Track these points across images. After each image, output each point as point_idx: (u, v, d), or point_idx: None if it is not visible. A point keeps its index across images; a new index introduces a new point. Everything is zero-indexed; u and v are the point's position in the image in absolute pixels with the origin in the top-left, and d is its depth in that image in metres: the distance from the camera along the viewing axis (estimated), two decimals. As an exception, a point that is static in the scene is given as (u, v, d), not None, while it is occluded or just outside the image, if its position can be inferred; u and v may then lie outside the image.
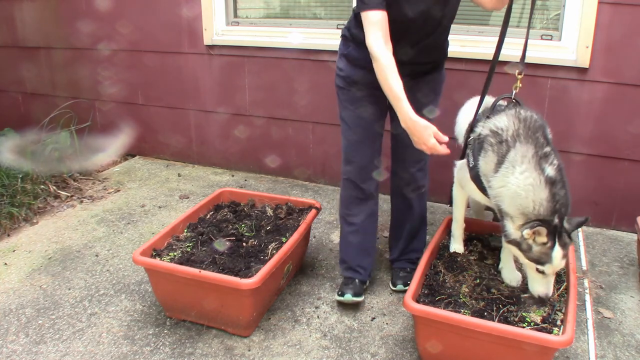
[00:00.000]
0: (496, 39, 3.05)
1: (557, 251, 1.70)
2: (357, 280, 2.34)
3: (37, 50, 4.23)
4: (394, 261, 2.53)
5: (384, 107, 2.18)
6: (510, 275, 2.04)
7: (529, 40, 2.93)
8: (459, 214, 2.25)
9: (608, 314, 2.26)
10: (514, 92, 2.04)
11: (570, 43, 2.83)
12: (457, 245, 2.27)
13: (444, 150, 1.84)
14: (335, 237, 2.88)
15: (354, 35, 2.11)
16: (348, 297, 2.25)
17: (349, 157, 2.26)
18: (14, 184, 3.30)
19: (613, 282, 2.50)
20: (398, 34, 1.94)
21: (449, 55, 2.98)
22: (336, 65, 2.23)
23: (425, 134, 1.84)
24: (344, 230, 2.40)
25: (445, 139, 1.85)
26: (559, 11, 2.87)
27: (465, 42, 3.03)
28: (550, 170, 1.72)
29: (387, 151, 2.35)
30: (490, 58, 2.98)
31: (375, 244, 2.45)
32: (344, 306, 2.32)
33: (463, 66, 3.01)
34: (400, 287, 2.40)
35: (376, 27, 1.88)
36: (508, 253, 2.02)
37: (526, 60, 2.88)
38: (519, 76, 2.05)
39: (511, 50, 2.98)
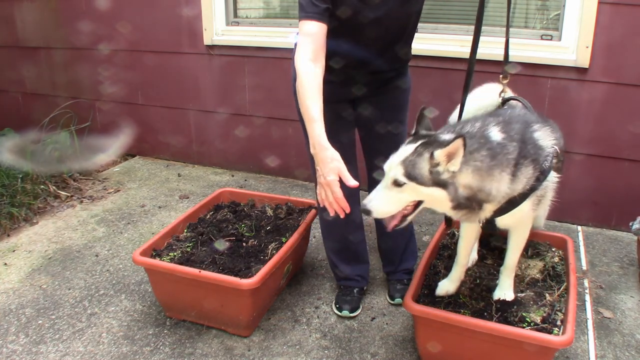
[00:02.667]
0: (496, 39, 3.06)
1: None
2: (355, 290, 2.32)
3: (37, 50, 4.23)
4: (389, 274, 2.45)
5: (348, 114, 2.12)
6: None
7: (528, 41, 2.96)
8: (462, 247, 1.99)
9: (608, 314, 2.26)
10: (500, 98, 1.96)
11: (570, 43, 2.83)
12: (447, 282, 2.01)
13: (338, 193, 1.62)
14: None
15: None
16: (345, 312, 2.24)
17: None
18: (14, 184, 3.30)
19: (613, 282, 2.50)
20: (359, 40, 1.87)
21: (449, 55, 3.00)
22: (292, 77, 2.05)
23: (328, 166, 1.64)
24: (331, 246, 2.34)
25: (352, 183, 1.62)
26: (559, 11, 2.87)
27: (465, 42, 3.02)
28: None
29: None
30: (491, 58, 3.00)
31: (366, 248, 2.39)
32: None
33: (463, 66, 3.00)
34: (398, 300, 2.32)
35: (308, 39, 1.75)
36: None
37: (526, 61, 2.92)
38: (504, 81, 1.97)
39: (510, 50, 2.98)
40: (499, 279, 1.97)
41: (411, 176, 1.52)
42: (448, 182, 1.51)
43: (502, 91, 1.96)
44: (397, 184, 1.55)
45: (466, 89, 1.99)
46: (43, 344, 2.08)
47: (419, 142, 1.56)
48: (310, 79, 1.71)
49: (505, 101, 1.95)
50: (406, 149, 1.57)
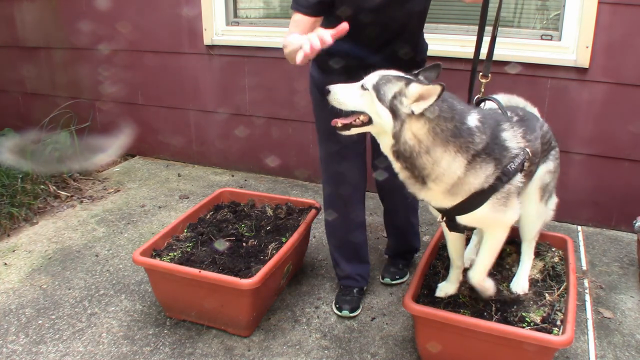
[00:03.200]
0: (496, 39, 3.06)
1: None
2: (355, 290, 2.34)
3: (37, 50, 4.23)
4: (389, 256, 2.59)
5: None
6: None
7: (528, 41, 2.96)
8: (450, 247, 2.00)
9: (608, 314, 2.26)
10: (477, 96, 1.96)
11: (570, 43, 2.83)
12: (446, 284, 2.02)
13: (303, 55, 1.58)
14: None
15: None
16: (345, 312, 2.26)
17: (328, 169, 2.23)
18: (14, 184, 3.30)
19: (613, 282, 2.50)
20: (358, 39, 1.89)
21: (449, 55, 3.00)
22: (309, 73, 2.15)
23: (305, 38, 1.60)
24: (333, 243, 2.37)
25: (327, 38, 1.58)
26: (559, 11, 2.87)
27: (465, 42, 3.03)
28: None
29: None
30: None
31: (366, 249, 2.41)
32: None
33: (463, 66, 3.00)
34: (387, 280, 2.45)
35: (294, 25, 1.85)
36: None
37: (526, 61, 2.92)
38: (483, 80, 1.96)
39: (510, 51, 3.00)
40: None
41: (377, 88, 1.56)
42: (401, 115, 1.53)
43: (480, 91, 1.97)
44: (364, 87, 1.59)
45: (471, 88, 2.02)
46: (43, 344, 2.08)
47: (409, 76, 1.59)
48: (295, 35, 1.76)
49: (479, 102, 1.94)
50: (396, 73, 1.60)
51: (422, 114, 1.52)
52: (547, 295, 1.95)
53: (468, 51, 2.97)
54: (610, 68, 2.75)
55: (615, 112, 2.81)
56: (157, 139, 4.11)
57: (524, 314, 1.83)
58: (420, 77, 1.65)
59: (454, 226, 1.78)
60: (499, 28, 3.01)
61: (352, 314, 2.26)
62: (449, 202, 1.67)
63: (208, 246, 2.31)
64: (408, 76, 1.59)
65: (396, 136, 1.56)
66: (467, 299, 1.94)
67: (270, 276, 2.06)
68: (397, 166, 1.63)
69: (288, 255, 2.21)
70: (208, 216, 2.59)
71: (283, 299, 2.38)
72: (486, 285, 1.90)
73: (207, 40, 3.63)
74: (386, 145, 1.61)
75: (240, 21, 3.66)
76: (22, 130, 3.90)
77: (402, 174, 1.64)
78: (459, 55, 2.97)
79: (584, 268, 2.60)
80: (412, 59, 2.07)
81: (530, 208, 1.94)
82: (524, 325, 1.79)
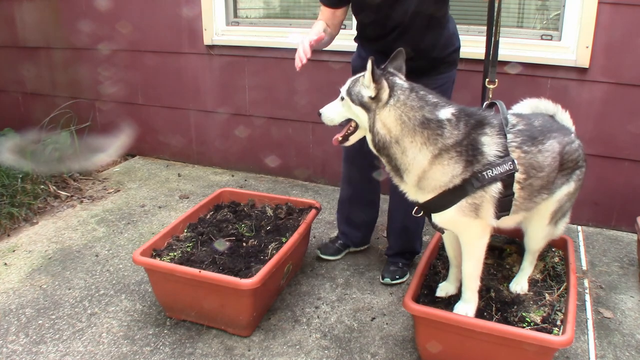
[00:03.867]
0: (499, 39, 3.05)
1: None
2: (339, 243, 2.69)
3: (37, 50, 4.23)
4: (389, 256, 2.60)
5: None
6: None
7: (528, 41, 2.96)
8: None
9: (608, 314, 2.26)
10: (486, 102, 1.94)
11: (570, 43, 2.83)
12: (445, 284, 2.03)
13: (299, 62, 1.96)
14: (335, 237, 2.88)
15: (357, 33, 2.31)
16: (322, 254, 2.65)
17: (348, 149, 2.27)
18: (14, 184, 3.30)
19: (613, 282, 2.50)
20: (372, 26, 2.13)
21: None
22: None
23: (302, 39, 2.00)
24: (341, 196, 2.65)
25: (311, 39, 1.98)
26: (559, 11, 2.87)
27: (465, 42, 3.00)
28: None
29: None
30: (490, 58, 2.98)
31: (362, 220, 2.66)
32: (341, 300, 2.33)
33: (463, 66, 2.99)
34: (387, 280, 2.46)
35: (320, 13, 2.23)
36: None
37: (526, 61, 2.92)
38: (490, 86, 1.95)
39: (510, 51, 2.99)
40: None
41: (349, 92, 1.73)
42: (371, 106, 1.66)
43: (488, 97, 1.96)
44: (341, 97, 1.77)
45: (484, 93, 2.05)
46: (43, 344, 2.08)
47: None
48: (317, 23, 2.15)
49: (488, 106, 1.92)
50: (362, 72, 1.71)
51: (388, 103, 1.64)
52: (547, 295, 1.95)
53: (468, 51, 2.98)
54: (610, 68, 2.75)
55: (615, 112, 2.81)
56: (157, 139, 4.11)
57: (524, 314, 1.83)
58: (390, 69, 1.75)
59: (433, 225, 1.80)
60: (500, 28, 3.03)
61: (323, 255, 2.65)
62: (421, 197, 1.72)
63: (208, 246, 2.31)
64: (376, 70, 1.66)
65: (371, 129, 1.68)
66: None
67: (270, 276, 2.06)
68: (382, 160, 1.74)
69: (288, 256, 2.21)
70: (208, 216, 2.59)
71: (283, 299, 2.38)
72: (475, 300, 1.85)
73: (207, 40, 3.63)
74: (369, 142, 1.72)
75: (240, 21, 3.66)
76: (22, 130, 3.89)
77: (387, 167, 1.74)
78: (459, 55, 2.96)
79: (584, 268, 2.60)
80: (424, 57, 2.13)
81: (538, 227, 1.91)
82: (524, 325, 1.79)
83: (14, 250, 2.81)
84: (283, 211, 2.59)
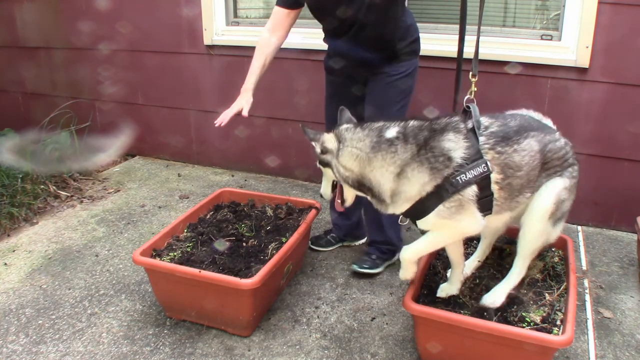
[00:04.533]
0: (496, 39, 3.06)
1: None
2: (330, 236, 2.76)
3: (37, 50, 4.23)
4: (366, 246, 2.68)
5: (359, 92, 2.37)
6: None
7: (528, 41, 2.96)
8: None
9: (608, 314, 2.26)
10: (468, 96, 1.90)
11: (570, 43, 2.83)
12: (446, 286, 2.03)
13: (220, 120, 2.27)
14: (335, 237, 2.88)
15: None
16: (312, 244, 2.74)
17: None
18: (14, 184, 3.30)
19: (613, 282, 2.50)
20: (331, 25, 2.27)
21: (450, 55, 2.98)
22: None
23: (236, 103, 2.33)
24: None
25: (243, 113, 2.27)
26: (559, 11, 2.87)
27: (466, 42, 3.02)
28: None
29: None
30: (490, 58, 2.99)
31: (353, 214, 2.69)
32: (341, 300, 2.33)
33: (463, 66, 2.99)
34: (354, 267, 2.54)
35: (272, 17, 2.34)
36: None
37: (526, 61, 2.92)
38: (473, 79, 1.96)
39: (511, 51, 3.00)
40: None
41: (321, 163, 1.92)
42: (331, 162, 1.85)
43: (470, 91, 1.93)
44: (321, 170, 1.97)
45: (457, 85, 2.02)
46: (43, 344, 2.08)
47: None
48: (260, 44, 2.35)
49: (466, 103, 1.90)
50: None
51: (340, 148, 1.81)
52: (547, 295, 1.95)
53: (468, 51, 2.98)
54: (610, 68, 2.75)
55: (615, 112, 2.81)
56: (157, 139, 4.11)
57: (524, 314, 1.83)
58: (341, 126, 1.90)
59: (420, 231, 1.85)
60: (500, 28, 3.04)
61: (313, 246, 2.74)
62: (398, 210, 1.79)
63: (208, 246, 2.31)
64: (309, 133, 1.91)
65: (340, 177, 1.85)
66: (467, 299, 1.94)
67: (271, 276, 2.06)
68: (372, 200, 1.84)
69: (288, 256, 2.21)
70: (208, 216, 2.59)
71: (283, 299, 2.38)
72: (409, 268, 1.89)
73: (207, 40, 3.63)
74: (347, 188, 1.91)
75: (240, 21, 3.66)
76: (22, 130, 3.89)
77: (373, 201, 1.84)
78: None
79: (584, 268, 2.60)
80: (387, 48, 2.26)
81: (531, 223, 1.84)
82: (524, 325, 1.79)
83: (14, 250, 2.81)
84: (283, 211, 2.59)
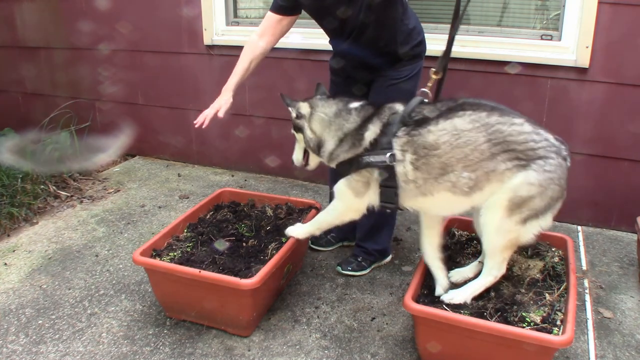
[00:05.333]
0: (496, 39, 3.07)
1: None
2: (330, 235, 2.78)
3: (37, 50, 4.23)
4: (355, 246, 2.67)
5: (360, 93, 2.33)
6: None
7: (528, 41, 2.96)
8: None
9: (608, 314, 2.26)
10: (423, 89, 2.00)
11: (570, 43, 2.83)
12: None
13: (199, 121, 2.25)
14: (335, 237, 2.88)
15: None
16: (313, 245, 2.77)
17: None
18: (14, 184, 3.30)
19: (613, 282, 2.50)
20: (331, 28, 2.28)
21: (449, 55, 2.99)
22: None
23: (215, 102, 2.30)
24: None
25: (219, 114, 2.26)
26: (559, 11, 2.87)
27: (465, 42, 3.03)
28: None
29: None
30: (490, 58, 3.00)
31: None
32: (341, 300, 2.33)
33: (463, 66, 3.01)
34: (338, 268, 2.58)
35: (263, 22, 2.33)
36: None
37: (526, 61, 2.92)
38: (434, 76, 2.01)
39: (510, 51, 3.00)
40: None
41: (295, 128, 2.15)
42: (304, 125, 2.09)
43: (427, 85, 2.02)
44: (295, 136, 2.18)
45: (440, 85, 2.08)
46: (43, 344, 2.08)
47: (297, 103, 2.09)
48: (246, 48, 2.35)
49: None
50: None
51: (311, 113, 2.06)
52: (547, 295, 1.95)
53: (468, 51, 3.00)
54: (610, 68, 2.75)
55: (615, 112, 2.81)
56: (157, 139, 4.11)
57: (524, 314, 1.83)
58: (315, 96, 2.15)
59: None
60: (500, 28, 3.04)
61: (313, 245, 2.76)
62: (332, 165, 2.07)
63: (208, 246, 2.31)
64: (287, 100, 2.13)
65: (307, 141, 2.10)
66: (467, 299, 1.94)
67: (271, 276, 2.06)
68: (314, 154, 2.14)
69: (288, 256, 2.21)
70: (208, 216, 2.59)
71: (283, 299, 2.38)
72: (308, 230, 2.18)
73: (207, 40, 3.63)
74: (310, 150, 2.15)
75: (240, 21, 3.66)
76: (22, 130, 3.89)
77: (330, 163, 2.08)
78: (459, 55, 2.96)
79: (584, 268, 2.60)
80: (389, 52, 2.25)
81: (485, 217, 1.82)
82: (524, 325, 1.79)
83: (14, 250, 2.81)
84: (283, 211, 2.59)
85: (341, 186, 2.01)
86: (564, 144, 1.85)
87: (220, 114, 2.26)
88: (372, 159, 1.88)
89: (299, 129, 2.12)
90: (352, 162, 1.94)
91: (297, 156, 2.26)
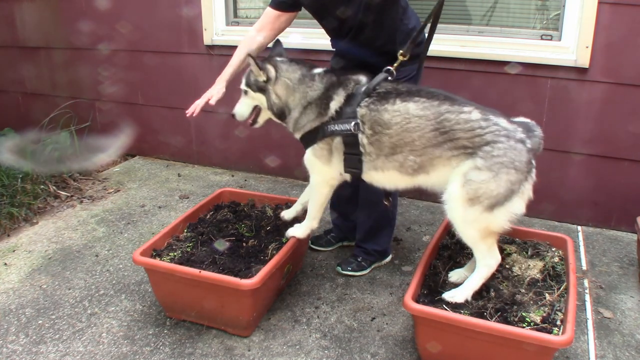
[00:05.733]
0: (496, 39, 3.07)
1: None
2: (330, 236, 2.78)
3: (37, 50, 4.23)
4: (355, 246, 2.65)
5: None
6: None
7: (528, 41, 2.96)
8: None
9: (608, 314, 2.26)
10: (389, 67, 2.05)
11: (570, 43, 2.83)
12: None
13: (190, 111, 2.32)
14: (335, 237, 2.88)
15: None
16: (312, 245, 2.76)
17: None
18: (14, 184, 3.30)
19: (613, 282, 2.50)
20: (330, 26, 2.28)
21: (449, 55, 3.00)
22: None
23: (207, 92, 2.32)
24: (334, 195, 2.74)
25: (211, 102, 2.28)
26: (559, 11, 2.87)
27: (466, 42, 3.03)
28: None
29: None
30: (490, 58, 3.00)
31: (351, 212, 2.67)
32: (341, 300, 2.33)
33: (463, 66, 3.01)
34: (338, 268, 2.57)
35: (262, 17, 2.34)
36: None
37: (526, 61, 2.93)
38: (400, 57, 2.06)
39: (510, 51, 3.00)
40: None
41: (247, 84, 2.16)
42: (267, 87, 2.10)
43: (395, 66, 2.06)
44: (244, 92, 2.19)
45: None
46: (43, 344, 2.08)
47: (258, 62, 2.08)
48: (244, 41, 2.34)
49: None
50: (251, 66, 2.10)
51: (277, 77, 2.07)
52: (547, 295, 1.95)
53: (468, 51, 3.00)
54: (610, 68, 2.75)
55: (615, 112, 2.81)
56: (157, 139, 4.11)
57: (524, 314, 1.83)
58: (275, 58, 2.16)
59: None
60: (500, 28, 3.03)
61: (313, 245, 2.75)
62: (297, 136, 2.14)
63: (208, 246, 2.31)
64: (258, 62, 2.07)
65: (270, 104, 2.12)
66: (467, 299, 1.94)
67: (271, 276, 2.06)
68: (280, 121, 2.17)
69: (288, 256, 2.21)
70: (208, 216, 2.59)
71: (283, 299, 2.38)
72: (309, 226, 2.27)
73: (207, 40, 3.63)
74: (271, 115, 2.17)
75: (240, 21, 3.66)
76: (22, 130, 3.89)
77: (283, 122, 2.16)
78: (459, 55, 2.97)
79: (584, 268, 2.60)
80: (387, 52, 2.19)
81: (452, 213, 1.85)
82: (524, 325, 1.79)
83: (14, 250, 2.81)
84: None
85: (309, 156, 2.10)
86: (527, 125, 1.86)
87: (212, 102, 2.28)
88: (337, 127, 1.96)
89: (260, 90, 2.12)
90: (318, 131, 2.02)
91: (242, 111, 2.24)
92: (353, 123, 1.93)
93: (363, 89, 1.98)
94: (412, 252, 2.77)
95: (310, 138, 2.06)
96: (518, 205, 1.83)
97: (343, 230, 2.76)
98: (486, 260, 1.91)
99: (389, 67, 2.04)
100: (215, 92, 2.30)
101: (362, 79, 2.05)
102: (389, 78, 2.02)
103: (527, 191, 1.83)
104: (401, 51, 2.05)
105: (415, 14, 2.34)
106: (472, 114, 1.82)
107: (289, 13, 2.30)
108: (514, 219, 1.85)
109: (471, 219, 1.82)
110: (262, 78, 2.08)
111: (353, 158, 1.99)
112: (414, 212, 3.22)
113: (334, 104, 1.99)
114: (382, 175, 2.00)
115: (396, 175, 1.96)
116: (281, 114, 2.13)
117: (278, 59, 2.16)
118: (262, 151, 3.75)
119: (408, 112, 1.87)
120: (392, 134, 1.90)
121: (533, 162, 1.83)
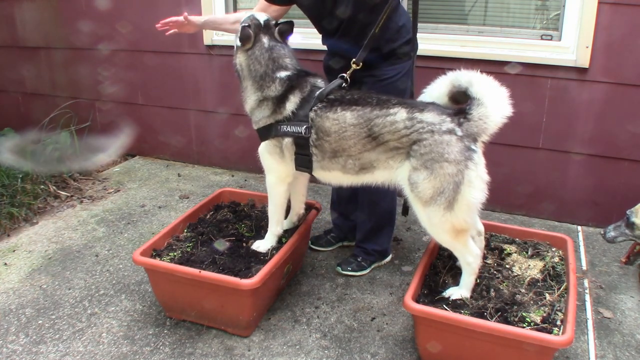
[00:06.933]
0: (496, 39, 3.07)
1: None
2: (330, 236, 2.78)
3: (37, 50, 4.23)
4: (354, 247, 2.66)
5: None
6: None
7: (528, 41, 2.96)
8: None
9: (608, 314, 2.26)
10: (344, 74, 2.09)
11: (570, 43, 2.83)
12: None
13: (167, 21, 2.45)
14: (335, 237, 2.88)
15: None
16: (312, 245, 2.76)
17: None
18: (14, 184, 3.30)
19: (613, 282, 2.50)
20: (320, 23, 2.31)
21: (449, 55, 2.99)
22: None
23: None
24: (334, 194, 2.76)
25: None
26: (559, 11, 2.87)
27: (466, 42, 3.03)
28: None
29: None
30: (490, 58, 3.00)
31: (350, 211, 2.69)
32: (341, 300, 2.33)
33: (463, 66, 3.00)
34: (338, 268, 2.57)
35: (255, 6, 2.38)
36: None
37: (526, 61, 2.93)
38: (354, 65, 2.11)
39: (510, 51, 3.00)
40: None
41: (240, 39, 2.13)
42: (235, 51, 2.16)
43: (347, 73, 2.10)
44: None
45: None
46: (43, 344, 2.09)
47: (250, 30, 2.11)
48: (237, 14, 2.44)
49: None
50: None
51: (246, 51, 2.10)
52: (547, 295, 1.95)
53: (468, 51, 3.00)
54: (610, 68, 2.75)
55: (615, 112, 2.81)
56: (157, 139, 4.11)
57: (524, 314, 1.83)
58: (272, 38, 2.15)
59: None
60: (500, 28, 3.03)
61: (313, 245, 2.75)
62: (255, 126, 2.16)
63: (208, 246, 2.30)
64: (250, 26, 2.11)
65: (234, 60, 2.17)
66: (467, 299, 1.94)
67: (271, 276, 2.06)
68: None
69: (288, 256, 2.21)
70: (208, 216, 2.59)
71: (283, 299, 2.38)
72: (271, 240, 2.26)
73: (207, 40, 3.63)
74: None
75: (240, 21, 3.65)
76: (22, 130, 3.89)
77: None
78: (459, 55, 2.97)
79: (584, 268, 2.60)
80: (376, 48, 2.20)
81: (419, 217, 1.94)
82: (524, 325, 1.79)
83: (14, 250, 2.81)
84: (283, 211, 2.59)
85: (262, 151, 2.17)
86: (455, 115, 1.85)
87: (185, 15, 2.47)
88: (290, 128, 2.03)
89: (237, 47, 2.15)
90: (271, 128, 2.07)
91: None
92: (305, 127, 2.00)
93: (317, 93, 2.03)
94: (412, 252, 2.77)
95: (263, 133, 2.13)
96: (472, 194, 1.80)
97: (343, 230, 2.77)
98: (465, 258, 1.95)
99: (343, 74, 2.08)
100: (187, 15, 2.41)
101: (320, 83, 2.09)
102: (344, 85, 2.07)
103: (474, 178, 1.79)
104: (354, 59, 2.10)
105: (407, 12, 2.34)
106: (398, 114, 1.88)
107: (278, 7, 2.34)
108: (478, 209, 1.86)
109: (436, 222, 1.86)
110: (238, 43, 2.12)
111: (303, 158, 2.07)
112: (414, 212, 3.22)
113: (290, 105, 2.04)
114: (329, 174, 2.10)
115: (340, 174, 2.07)
116: (239, 78, 2.18)
117: (264, 39, 2.12)
118: (262, 151, 3.75)
119: (345, 122, 1.95)
120: (331, 141, 1.99)
121: (473, 147, 1.80)
